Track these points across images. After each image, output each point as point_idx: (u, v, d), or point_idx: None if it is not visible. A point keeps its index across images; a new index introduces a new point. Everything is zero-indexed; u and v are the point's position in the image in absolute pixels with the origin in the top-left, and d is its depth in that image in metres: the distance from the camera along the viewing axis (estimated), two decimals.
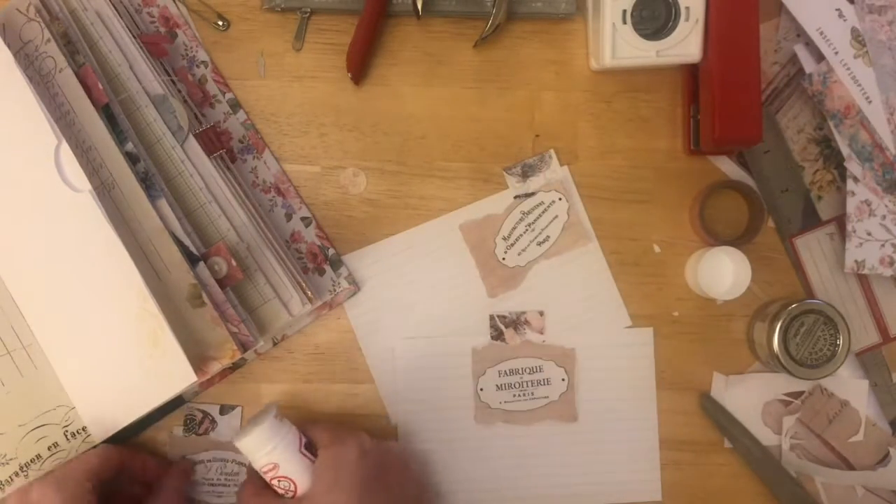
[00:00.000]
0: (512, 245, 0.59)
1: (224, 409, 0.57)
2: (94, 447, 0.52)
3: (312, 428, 0.52)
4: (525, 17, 0.58)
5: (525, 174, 0.59)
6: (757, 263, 0.57)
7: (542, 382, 0.59)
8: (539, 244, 0.59)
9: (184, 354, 0.48)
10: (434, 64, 0.59)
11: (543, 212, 0.59)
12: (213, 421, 0.57)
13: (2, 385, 0.52)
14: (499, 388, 0.58)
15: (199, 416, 0.57)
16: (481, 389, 0.58)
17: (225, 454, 0.57)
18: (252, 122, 0.58)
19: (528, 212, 0.59)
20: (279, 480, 0.50)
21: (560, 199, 0.59)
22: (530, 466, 0.59)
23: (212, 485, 0.57)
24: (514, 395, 0.58)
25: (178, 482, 0.55)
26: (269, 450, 0.50)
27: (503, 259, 0.59)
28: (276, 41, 0.58)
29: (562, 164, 0.59)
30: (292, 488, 0.50)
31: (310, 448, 0.51)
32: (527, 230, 0.59)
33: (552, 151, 0.59)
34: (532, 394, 0.59)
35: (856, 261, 0.58)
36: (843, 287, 0.60)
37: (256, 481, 0.52)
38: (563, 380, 0.59)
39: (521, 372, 0.59)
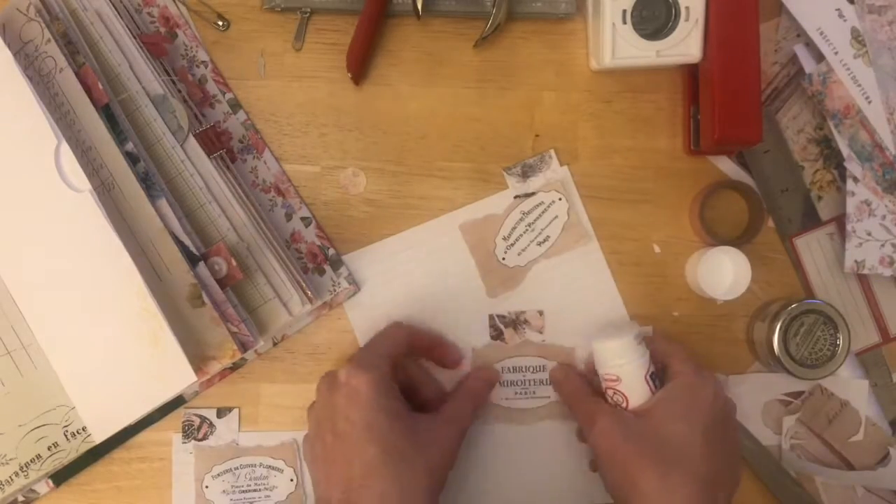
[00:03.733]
0: (512, 245, 0.59)
1: (221, 412, 0.57)
2: (391, 327, 0.56)
3: (673, 355, 0.54)
4: (525, 17, 0.58)
5: (525, 174, 0.59)
6: (757, 263, 0.57)
7: (543, 382, 0.59)
8: (539, 244, 0.59)
9: (184, 354, 0.48)
10: (434, 64, 0.59)
11: (543, 212, 0.59)
12: (212, 424, 0.57)
13: (2, 385, 0.52)
14: (500, 384, 0.59)
15: (197, 420, 0.57)
16: None
17: (252, 460, 0.57)
18: (252, 122, 0.58)
19: (528, 212, 0.59)
20: (614, 393, 0.53)
21: (560, 199, 0.59)
22: (528, 465, 0.59)
23: (243, 491, 0.57)
24: (516, 393, 0.59)
25: (477, 385, 0.56)
26: (620, 363, 0.52)
27: (503, 259, 0.59)
28: (276, 41, 0.58)
29: (562, 164, 0.59)
30: (623, 404, 0.52)
31: (654, 379, 0.53)
32: (527, 230, 0.59)
33: (552, 151, 0.59)
34: (534, 393, 0.59)
35: (856, 261, 0.58)
36: (843, 287, 0.60)
37: (585, 385, 0.55)
38: None
39: (523, 370, 0.59)
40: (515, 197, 0.59)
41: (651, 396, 0.52)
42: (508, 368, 0.59)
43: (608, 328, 0.56)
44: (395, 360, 0.52)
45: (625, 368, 0.52)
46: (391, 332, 0.55)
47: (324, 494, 0.49)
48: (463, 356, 0.57)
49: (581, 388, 0.56)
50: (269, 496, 0.57)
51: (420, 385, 0.55)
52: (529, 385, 0.59)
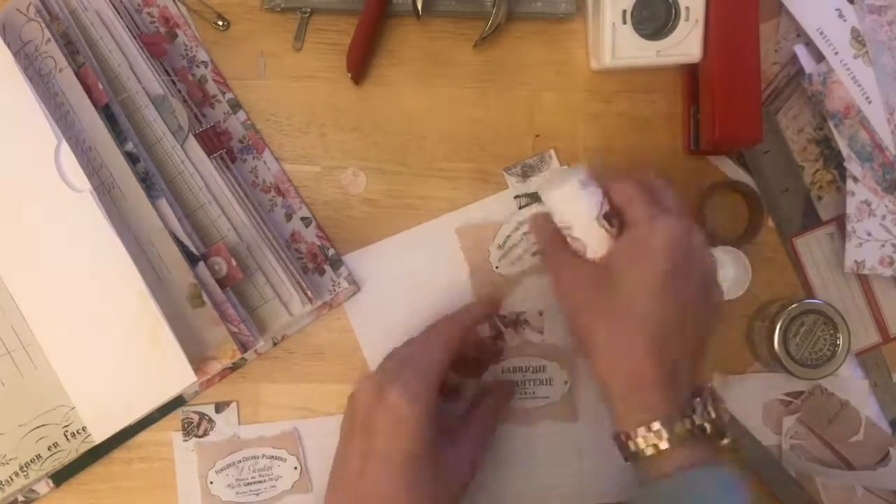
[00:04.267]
0: (505, 255, 0.59)
1: (219, 407, 0.57)
2: (445, 330, 0.51)
3: (631, 199, 0.49)
4: (525, 17, 0.58)
5: (525, 174, 0.59)
6: (757, 263, 0.57)
7: (544, 382, 0.59)
8: (533, 255, 0.59)
9: (184, 354, 0.48)
10: (434, 64, 0.59)
11: None
12: (211, 420, 0.57)
13: (2, 385, 0.52)
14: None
15: (196, 418, 0.57)
16: None
17: (255, 451, 0.57)
18: (252, 122, 0.58)
19: (524, 222, 0.58)
20: (572, 240, 0.51)
21: None
22: (528, 465, 0.59)
23: (247, 484, 0.57)
24: (517, 394, 0.58)
25: (493, 411, 0.55)
26: (567, 210, 0.50)
27: (496, 267, 0.58)
28: (276, 41, 0.58)
29: (562, 164, 0.59)
30: (583, 251, 0.50)
31: (610, 219, 0.49)
32: (522, 239, 0.58)
33: (552, 151, 0.59)
34: (534, 393, 0.59)
35: (856, 261, 0.58)
36: (843, 287, 0.60)
37: (559, 243, 0.52)
38: (565, 382, 0.59)
39: (523, 370, 0.59)
40: (515, 197, 0.59)
41: (609, 240, 0.49)
42: (509, 369, 0.59)
43: (556, 176, 0.54)
44: (445, 371, 0.49)
45: (570, 216, 0.50)
46: (446, 339, 0.51)
47: (335, 500, 0.49)
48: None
49: (555, 238, 0.52)
50: (274, 486, 0.57)
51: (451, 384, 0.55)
52: (529, 385, 0.59)
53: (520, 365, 0.59)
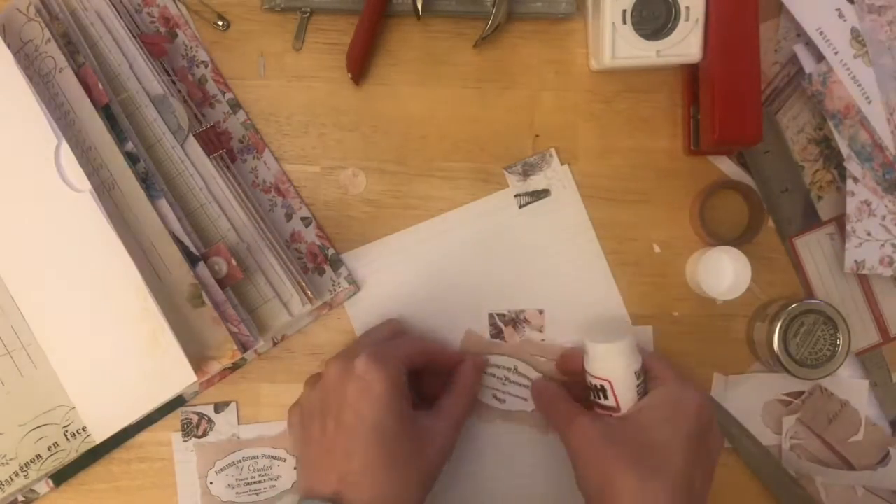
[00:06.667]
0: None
1: (219, 407, 0.57)
2: (403, 337, 0.56)
3: (658, 363, 0.53)
4: (525, 17, 0.58)
5: (526, 173, 0.59)
6: (757, 263, 0.57)
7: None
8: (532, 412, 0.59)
9: (184, 354, 0.48)
10: (434, 64, 0.59)
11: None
12: (210, 420, 0.57)
13: (2, 385, 0.52)
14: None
15: (196, 418, 0.57)
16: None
17: (254, 451, 0.57)
18: (252, 122, 0.58)
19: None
20: (602, 395, 0.52)
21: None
22: (530, 466, 0.59)
23: (247, 484, 0.57)
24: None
25: (470, 378, 0.56)
26: (613, 367, 0.51)
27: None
28: (276, 41, 0.58)
29: (562, 163, 0.59)
30: (613, 406, 0.51)
31: (641, 386, 0.52)
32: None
33: (553, 150, 0.59)
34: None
35: (856, 261, 0.58)
36: (843, 287, 0.60)
37: (565, 392, 0.55)
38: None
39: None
40: (516, 196, 0.59)
41: (636, 397, 0.51)
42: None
43: (603, 329, 0.56)
44: (409, 365, 0.51)
45: (618, 372, 0.51)
46: (409, 340, 0.55)
47: (310, 476, 0.49)
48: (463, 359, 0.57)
49: (560, 394, 0.55)
50: (274, 486, 0.57)
51: (422, 374, 0.55)
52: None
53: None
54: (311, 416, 0.51)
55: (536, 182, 0.59)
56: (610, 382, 0.51)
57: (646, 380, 0.52)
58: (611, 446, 0.49)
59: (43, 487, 0.55)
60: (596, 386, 0.52)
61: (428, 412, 0.52)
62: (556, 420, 0.55)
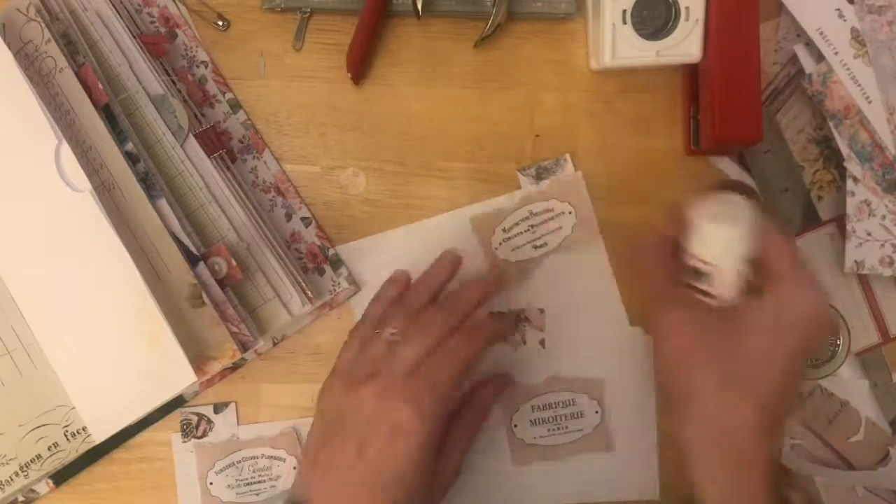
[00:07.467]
0: (509, 239, 0.59)
1: (218, 408, 0.57)
2: (447, 345, 0.48)
3: (772, 244, 0.45)
4: (525, 17, 0.58)
5: (539, 176, 0.59)
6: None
7: (575, 416, 0.59)
8: (535, 248, 0.59)
9: (184, 354, 0.48)
10: (434, 64, 0.59)
11: (550, 219, 0.59)
12: (210, 421, 0.57)
13: (2, 385, 0.52)
14: (531, 422, 0.59)
15: (195, 419, 0.57)
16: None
17: (254, 451, 0.57)
18: (252, 122, 0.58)
19: (536, 213, 0.59)
20: (700, 278, 0.46)
21: (570, 212, 0.59)
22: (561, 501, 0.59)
23: (247, 484, 0.57)
24: (549, 430, 0.59)
25: (488, 408, 0.55)
26: (722, 252, 0.45)
27: (496, 248, 0.59)
28: (276, 41, 0.58)
29: (576, 169, 0.59)
30: (710, 291, 0.45)
31: (745, 269, 0.45)
32: (528, 230, 0.59)
33: (567, 156, 0.59)
34: (567, 427, 0.59)
35: (856, 261, 0.58)
36: (843, 287, 0.60)
37: (668, 272, 0.47)
38: (596, 412, 0.59)
39: (554, 406, 0.59)
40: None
41: (741, 289, 0.45)
42: (539, 406, 0.58)
43: (717, 204, 0.48)
44: (456, 389, 0.47)
45: (726, 262, 0.45)
46: (469, 354, 0.48)
47: (309, 484, 0.47)
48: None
49: (665, 267, 0.48)
50: (274, 486, 0.57)
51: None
52: (562, 420, 0.59)
53: (550, 402, 0.58)
54: (340, 420, 0.47)
55: (547, 185, 0.59)
56: (716, 269, 0.45)
57: (759, 270, 0.46)
58: (702, 348, 0.44)
59: (43, 487, 0.55)
60: (698, 269, 0.46)
61: (439, 450, 0.49)
62: (652, 295, 0.49)
